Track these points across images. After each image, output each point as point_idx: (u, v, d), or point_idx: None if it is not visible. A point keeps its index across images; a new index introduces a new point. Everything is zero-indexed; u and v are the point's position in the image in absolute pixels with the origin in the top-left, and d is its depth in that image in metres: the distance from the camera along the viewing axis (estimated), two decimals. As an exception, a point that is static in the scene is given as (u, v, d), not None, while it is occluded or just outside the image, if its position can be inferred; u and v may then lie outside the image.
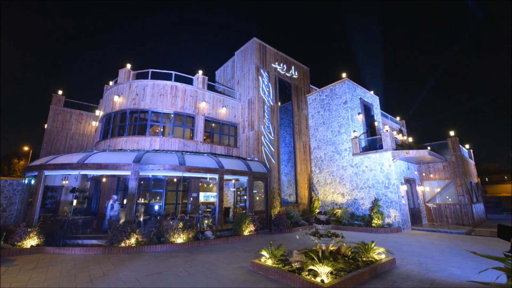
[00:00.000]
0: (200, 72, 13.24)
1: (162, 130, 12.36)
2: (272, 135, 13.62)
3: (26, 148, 26.53)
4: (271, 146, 13.35)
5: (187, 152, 11.08)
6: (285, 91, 16.21)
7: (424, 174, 14.60)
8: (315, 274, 4.53)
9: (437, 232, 10.90)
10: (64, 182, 13.08)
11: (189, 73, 13.92)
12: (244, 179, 11.44)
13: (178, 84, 12.29)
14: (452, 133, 14.57)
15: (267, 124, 13.54)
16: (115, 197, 9.79)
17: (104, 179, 11.38)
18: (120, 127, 11.68)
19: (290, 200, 14.86)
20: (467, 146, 16.84)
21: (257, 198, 11.76)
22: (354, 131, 13.65)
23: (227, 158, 11.27)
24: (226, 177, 10.53)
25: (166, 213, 11.10)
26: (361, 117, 14.68)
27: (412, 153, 11.45)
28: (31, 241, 7.09)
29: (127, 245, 7.32)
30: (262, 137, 13.12)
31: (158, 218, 9.73)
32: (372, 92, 16.68)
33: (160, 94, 11.84)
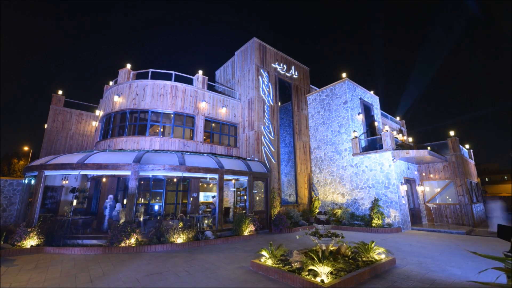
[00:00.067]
0: (200, 72, 13.25)
1: (162, 130, 12.36)
2: (272, 135, 13.62)
3: (26, 148, 26.54)
4: (271, 146, 13.35)
5: (187, 152, 11.08)
6: (285, 91, 16.21)
7: (424, 174, 14.60)
8: (315, 274, 4.53)
9: (437, 232, 10.90)
10: (64, 182, 13.08)
11: (189, 73, 13.93)
12: (244, 179, 11.44)
13: (178, 84, 12.29)
14: (452, 133, 14.57)
15: (267, 124, 13.54)
16: (111, 196, 9.81)
17: (104, 179, 11.38)
18: (120, 127, 11.68)
19: (290, 200, 14.86)
20: (467, 146, 16.84)
21: (257, 198, 11.76)
22: (354, 131, 13.65)
23: (227, 158, 11.27)
24: (226, 177, 10.53)
25: (166, 213, 11.09)
26: (361, 117, 14.68)
27: (412, 153, 11.45)
28: (31, 241, 7.09)
29: (127, 245, 7.32)
30: (262, 137, 13.12)
31: (158, 218, 9.73)
32: (372, 92, 16.68)
33: (160, 94, 11.84)
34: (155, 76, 12.28)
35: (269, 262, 5.40)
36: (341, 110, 14.40)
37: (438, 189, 14.04)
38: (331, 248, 5.61)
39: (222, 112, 13.49)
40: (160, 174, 9.47)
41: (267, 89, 14.07)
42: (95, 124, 16.26)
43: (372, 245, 5.95)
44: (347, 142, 13.74)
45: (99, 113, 15.28)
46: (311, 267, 4.65)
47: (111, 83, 13.64)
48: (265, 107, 13.76)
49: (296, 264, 5.09)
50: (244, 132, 13.71)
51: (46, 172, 8.50)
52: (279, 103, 15.56)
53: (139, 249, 7.28)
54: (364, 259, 5.62)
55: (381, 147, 12.59)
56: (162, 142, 11.32)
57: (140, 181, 10.81)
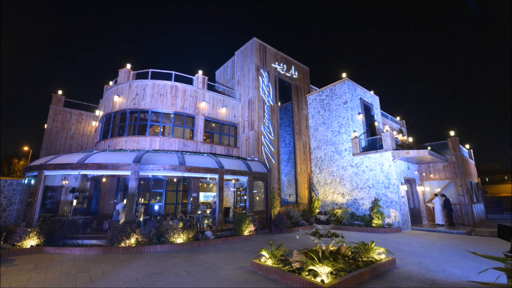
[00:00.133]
0: (200, 72, 13.24)
1: (162, 130, 12.36)
2: (272, 135, 13.62)
3: (26, 148, 26.54)
4: (271, 146, 13.34)
5: (187, 152, 11.08)
6: (285, 91, 16.21)
7: (424, 174, 14.60)
8: (315, 274, 4.53)
9: (437, 232, 10.90)
10: (64, 182, 13.07)
11: (189, 73, 13.93)
12: (244, 179, 11.43)
13: (178, 84, 12.28)
14: (452, 133, 14.57)
15: (267, 124, 13.53)
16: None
17: (104, 179, 11.38)
18: (120, 127, 11.68)
19: (290, 200, 14.85)
20: (467, 146, 16.84)
21: (257, 198, 11.75)
22: (354, 131, 13.64)
23: (227, 158, 11.27)
24: (226, 177, 10.53)
25: (166, 213, 11.10)
26: (361, 117, 14.68)
27: (412, 153, 11.44)
28: (31, 241, 7.09)
29: (127, 245, 7.32)
30: (262, 137, 13.12)
31: (158, 218, 9.72)
32: (372, 92, 16.67)
33: (160, 94, 11.84)
34: (155, 76, 12.28)
35: (269, 262, 5.39)
36: (341, 110, 14.39)
37: (438, 189, 14.03)
38: (331, 248, 5.61)
39: (222, 112, 13.49)
40: (160, 174, 9.46)
41: (267, 89, 14.07)
42: (95, 124, 16.25)
43: (372, 245, 5.95)
44: (347, 142, 13.73)
45: (99, 113, 15.27)
46: (311, 267, 4.65)
47: (111, 83, 13.64)
48: (265, 107, 13.76)
49: (296, 264, 5.08)
50: (244, 132, 13.71)
51: (46, 172, 8.50)
52: (279, 103, 15.56)
53: (139, 249, 7.28)
54: (364, 259, 5.62)
55: (381, 147, 12.59)
56: (162, 142, 11.32)
57: (140, 181, 10.81)
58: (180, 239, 7.97)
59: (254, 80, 13.65)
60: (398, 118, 22.81)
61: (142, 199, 11.30)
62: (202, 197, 14.92)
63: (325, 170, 14.55)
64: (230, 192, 14.16)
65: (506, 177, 42.39)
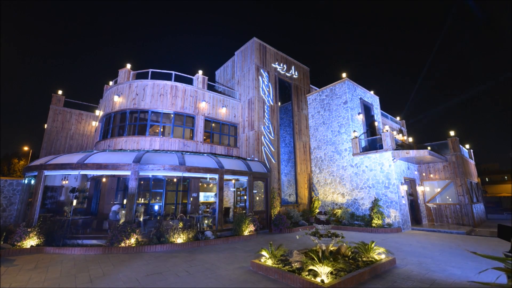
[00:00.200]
0: (200, 72, 13.24)
1: (162, 130, 12.36)
2: (272, 135, 13.62)
3: (26, 148, 26.54)
4: (271, 146, 13.34)
5: (187, 152, 11.08)
6: (285, 91, 16.21)
7: (424, 174, 14.60)
8: (315, 274, 4.53)
9: (437, 232, 10.89)
10: (64, 182, 13.07)
11: (189, 73, 13.93)
12: (244, 179, 11.43)
13: (178, 84, 12.28)
14: (452, 133, 14.57)
15: (267, 124, 13.53)
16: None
17: (104, 179, 11.38)
18: (120, 127, 11.68)
19: (290, 200, 14.85)
20: (467, 146, 16.84)
21: (257, 198, 11.75)
22: (354, 131, 13.64)
23: (227, 158, 11.27)
24: (226, 177, 10.53)
25: (166, 213, 11.10)
26: (361, 117, 14.68)
27: (412, 153, 11.44)
28: (31, 241, 7.09)
29: (127, 245, 7.32)
30: (262, 137, 13.12)
31: (158, 218, 9.72)
32: (372, 92, 16.67)
33: (160, 94, 11.84)
34: (155, 76, 12.28)
35: (269, 262, 5.39)
36: (341, 110, 14.39)
37: (438, 189, 14.04)
38: (331, 248, 5.61)
39: (222, 112, 13.49)
40: (160, 174, 9.46)
41: (267, 89, 14.07)
42: (95, 124, 16.25)
43: (372, 245, 5.95)
44: (347, 142, 13.73)
45: (99, 113, 15.27)
46: (311, 267, 4.65)
47: (111, 83, 13.64)
48: (265, 107, 13.76)
49: (296, 264, 5.08)
50: (244, 132, 13.71)
51: (46, 172, 8.50)
52: (279, 103, 15.56)
53: (139, 249, 7.28)
54: (364, 259, 5.61)
55: (381, 147, 12.59)
56: (162, 142, 11.32)
57: (140, 181, 10.82)
58: (180, 239, 7.97)
59: (254, 80, 13.65)
60: (398, 118, 22.81)
61: (142, 199, 11.31)
62: (202, 197, 14.91)
63: (325, 170, 14.55)
64: (230, 192, 14.16)
65: (506, 177, 42.38)
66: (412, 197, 13.29)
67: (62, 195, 13.14)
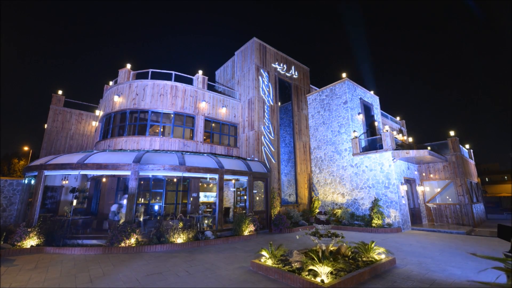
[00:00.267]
0: (200, 72, 13.24)
1: (162, 130, 12.36)
2: (272, 135, 13.62)
3: (26, 148, 26.55)
4: (271, 146, 13.35)
5: (187, 152, 11.08)
6: (285, 91, 16.21)
7: (424, 174, 14.60)
8: (315, 274, 4.53)
9: (437, 232, 10.90)
10: (64, 182, 13.07)
11: (189, 73, 13.93)
12: (244, 179, 11.43)
13: (178, 84, 12.28)
14: (452, 133, 14.57)
15: (267, 124, 13.54)
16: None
17: (104, 179, 11.38)
18: (120, 127, 11.68)
19: (290, 200, 14.85)
20: (467, 146, 16.84)
21: (257, 198, 11.75)
22: (354, 131, 13.65)
23: (227, 158, 11.27)
24: (226, 177, 10.53)
25: (166, 213, 11.10)
26: (361, 117, 14.68)
27: (412, 153, 11.44)
28: (31, 241, 7.09)
29: (127, 245, 7.32)
30: (262, 137, 13.12)
31: (158, 218, 9.73)
32: (372, 92, 16.68)
33: (160, 94, 11.84)
34: (155, 76, 12.28)
35: (269, 262, 5.40)
36: (341, 110, 14.39)
37: (438, 189, 14.04)
38: (331, 248, 5.61)
39: (222, 112, 13.49)
40: (160, 174, 9.46)
41: (267, 89, 14.07)
42: (95, 124, 16.25)
43: (372, 245, 5.95)
44: (347, 142, 13.73)
45: (99, 113, 15.28)
46: (311, 267, 4.65)
47: (111, 83, 13.64)
48: (265, 107, 13.76)
49: (296, 264, 5.09)
50: (244, 132, 13.71)
51: (46, 172, 8.50)
52: (279, 103, 15.56)
53: (139, 249, 7.28)
54: (364, 259, 5.62)
55: (381, 147, 12.59)
56: (162, 142, 11.32)
57: (140, 181, 10.81)
58: (180, 239, 7.97)
59: (254, 80, 13.65)
60: (398, 118, 22.81)
61: (142, 199, 11.31)
62: (202, 197, 14.92)
63: (325, 170, 14.55)
64: (230, 192, 14.16)
65: (506, 177, 42.38)
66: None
67: (62, 195, 13.15)
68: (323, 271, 4.41)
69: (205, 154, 11.06)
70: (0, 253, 6.48)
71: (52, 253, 6.99)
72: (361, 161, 12.91)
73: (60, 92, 15.87)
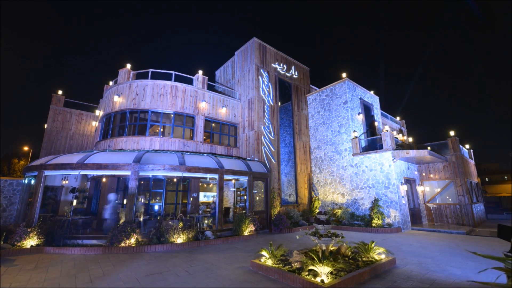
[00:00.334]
0: (200, 72, 13.25)
1: (162, 130, 12.36)
2: (272, 135, 13.62)
3: (26, 148, 26.55)
4: (271, 146, 13.35)
5: (187, 152, 11.08)
6: (285, 91, 16.21)
7: (424, 174, 14.60)
8: (315, 274, 4.53)
9: (437, 232, 10.90)
10: (64, 182, 13.08)
11: (189, 73, 13.93)
12: (244, 179, 11.43)
13: (178, 84, 12.29)
14: (452, 133, 14.57)
15: (267, 124, 13.54)
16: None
17: (104, 179, 11.38)
18: (120, 127, 11.68)
19: (290, 200, 14.85)
20: (467, 146, 16.84)
21: (257, 198, 11.75)
22: (354, 131, 13.65)
23: (227, 158, 11.27)
24: (226, 177, 10.53)
25: (166, 213, 11.10)
26: (361, 117, 14.68)
27: (412, 153, 11.44)
28: (31, 241, 7.09)
29: (127, 245, 7.32)
30: (262, 137, 13.12)
31: (158, 218, 9.73)
32: (372, 92, 16.68)
33: (160, 94, 11.84)
34: (155, 76, 12.28)
35: (269, 262, 5.40)
36: (341, 110, 14.40)
37: (438, 189, 14.04)
38: (331, 248, 5.61)
39: (222, 112, 13.49)
40: (160, 174, 9.46)
41: (267, 89, 14.08)
42: (95, 124, 16.26)
43: (372, 245, 5.95)
44: (347, 142, 13.73)
45: (99, 113, 15.28)
46: (311, 267, 4.65)
47: (111, 83, 13.64)
48: (265, 107, 13.76)
49: (296, 264, 5.09)
50: (244, 132, 13.71)
51: (46, 172, 8.50)
52: (279, 103, 15.56)
53: (139, 249, 7.28)
54: (364, 259, 5.62)
55: (381, 147, 12.59)
56: (162, 142, 11.32)
57: (140, 181, 10.82)
58: (180, 239, 7.97)
59: (254, 80, 13.65)
60: (398, 118, 22.81)
61: (142, 199, 11.31)
62: (202, 197, 14.92)
63: (325, 170, 14.56)
64: (230, 192, 14.16)
65: (506, 177, 42.39)
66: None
67: (62, 195, 13.14)
68: (323, 271, 4.41)
69: (205, 154, 11.07)
70: (0, 253, 6.48)
71: (52, 253, 6.99)
72: (361, 161, 12.91)
73: (60, 92, 15.87)
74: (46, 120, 15.18)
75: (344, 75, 14.94)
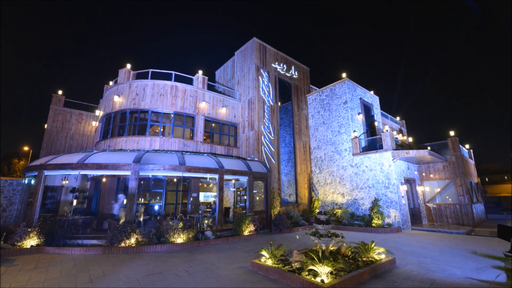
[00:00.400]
0: (200, 72, 13.25)
1: (162, 130, 12.36)
2: (272, 135, 13.62)
3: (26, 148, 26.56)
4: (271, 146, 13.35)
5: (187, 152, 11.08)
6: (285, 91, 16.22)
7: (424, 174, 14.61)
8: (315, 274, 4.53)
9: (437, 232, 10.90)
10: (64, 182, 13.08)
11: (189, 73, 13.93)
12: (244, 179, 11.44)
13: (178, 84, 12.29)
14: (452, 133, 14.57)
15: (267, 124, 13.54)
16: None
17: (104, 179, 11.38)
18: (120, 127, 11.68)
19: (290, 200, 14.86)
20: (467, 146, 16.84)
21: (257, 198, 11.76)
22: (354, 131, 13.65)
23: (227, 158, 11.27)
24: (226, 177, 10.53)
25: (166, 213, 11.10)
26: (361, 117, 14.68)
27: (412, 153, 11.45)
28: (31, 241, 7.09)
29: (127, 245, 7.32)
30: (262, 137, 13.12)
31: (158, 218, 9.74)
32: (372, 92, 16.68)
33: (160, 94, 11.84)
34: (155, 76, 12.28)
35: (269, 262, 5.40)
36: (341, 110, 14.40)
37: (438, 189, 14.04)
38: (331, 248, 5.61)
39: (222, 112, 13.49)
40: (160, 174, 9.47)
41: (267, 89, 14.08)
42: (95, 124, 16.26)
43: (372, 245, 5.95)
44: (347, 142, 13.74)
45: (99, 113, 15.28)
46: (311, 267, 4.65)
47: (111, 83, 13.64)
48: (265, 107, 13.77)
49: (296, 264, 5.09)
50: (244, 132, 13.72)
51: (46, 172, 8.50)
52: (279, 103, 15.56)
53: (139, 249, 7.28)
54: (364, 259, 5.62)
55: (381, 147, 12.59)
56: (162, 142, 11.32)
57: (140, 181, 10.82)
58: (180, 239, 7.97)
59: (254, 80, 13.65)
60: (398, 118, 22.82)
61: (142, 199, 11.31)
62: (202, 197, 14.93)
63: (325, 170, 14.56)
64: (230, 192, 14.16)
65: (506, 177, 42.40)
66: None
67: (62, 195, 13.15)
68: (323, 271, 4.41)
69: (205, 154, 11.07)
70: (0, 253, 6.48)
71: (52, 253, 6.99)
72: (361, 161, 12.91)
73: (60, 92, 15.88)
74: (46, 120, 15.18)
75: (344, 75, 14.95)
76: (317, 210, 13.52)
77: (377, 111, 16.44)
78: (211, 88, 14.25)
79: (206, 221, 10.34)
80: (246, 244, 8.44)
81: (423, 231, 11.12)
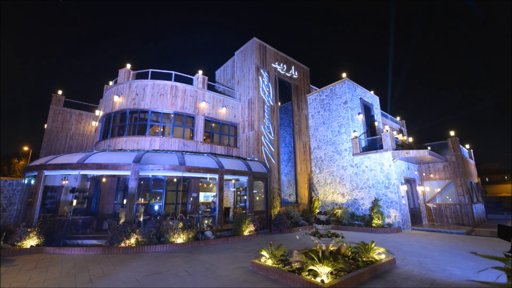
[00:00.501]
0: (200, 72, 13.25)
1: (162, 130, 12.36)
2: (272, 135, 13.62)
3: (26, 148, 26.55)
4: (271, 146, 13.35)
5: (187, 152, 11.08)
6: (285, 91, 16.21)
7: (424, 174, 14.60)
8: (315, 274, 4.52)
9: (437, 232, 10.89)
10: (64, 182, 13.07)
11: (189, 73, 13.92)
12: (244, 179, 11.43)
13: (178, 84, 12.29)
14: (452, 133, 14.57)
15: (267, 124, 13.54)
16: None
17: (104, 179, 11.38)
18: (120, 127, 11.68)
19: (290, 200, 14.85)
20: (467, 146, 16.84)
21: (257, 198, 11.75)
22: (354, 131, 13.64)
23: (227, 158, 11.27)
24: (226, 177, 10.53)
25: (166, 213, 11.09)
26: (361, 117, 14.68)
27: (412, 153, 11.44)
28: (31, 241, 7.09)
29: (127, 245, 7.32)
30: (262, 137, 13.12)
31: (158, 218, 9.73)
32: (372, 92, 16.68)
33: (160, 94, 11.84)
34: (155, 76, 12.28)
35: (269, 262, 5.39)
36: (341, 110, 14.39)
37: (438, 189, 14.04)
38: (331, 248, 5.61)
39: (222, 112, 13.49)
40: (160, 174, 9.46)
41: (267, 89, 14.07)
42: (95, 124, 16.26)
43: (372, 245, 5.95)
44: (347, 142, 13.73)
45: (99, 113, 15.28)
46: (311, 267, 4.64)
47: (111, 83, 13.64)
48: (265, 107, 13.76)
49: (296, 264, 5.08)
50: (244, 132, 13.71)
51: (46, 172, 8.50)
52: (279, 103, 15.56)
53: (139, 249, 7.28)
54: (364, 259, 5.62)
55: (381, 147, 12.59)
56: (162, 142, 11.32)
57: (140, 181, 10.81)
58: (180, 239, 7.97)
59: (254, 80, 13.65)
60: (398, 118, 22.82)
61: (142, 199, 11.31)
62: (202, 197, 14.92)
63: (325, 170, 14.55)
64: (230, 192, 14.16)
65: (506, 177, 42.39)
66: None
67: (62, 195, 13.14)
68: (323, 271, 4.40)
69: (205, 154, 11.06)
70: (0, 253, 6.48)
71: (52, 253, 6.99)
72: (361, 161, 12.91)
73: (60, 92, 15.87)
74: (46, 120, 15.18)
75: (344, 75, 14.94)
76: (317, 210, 13.51)
77: (377, 111, 16.43)
78: (211, 88, 14.25)
79: (206, 221, 10.33)
80: (246, 244, 8.43)
81: (423, 231, 11.11)
